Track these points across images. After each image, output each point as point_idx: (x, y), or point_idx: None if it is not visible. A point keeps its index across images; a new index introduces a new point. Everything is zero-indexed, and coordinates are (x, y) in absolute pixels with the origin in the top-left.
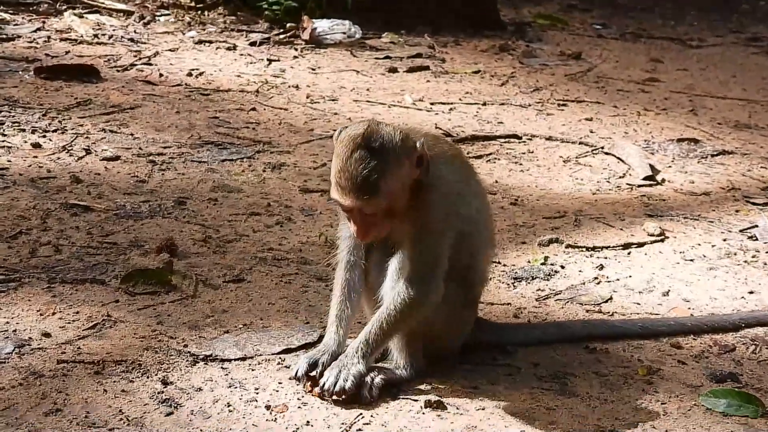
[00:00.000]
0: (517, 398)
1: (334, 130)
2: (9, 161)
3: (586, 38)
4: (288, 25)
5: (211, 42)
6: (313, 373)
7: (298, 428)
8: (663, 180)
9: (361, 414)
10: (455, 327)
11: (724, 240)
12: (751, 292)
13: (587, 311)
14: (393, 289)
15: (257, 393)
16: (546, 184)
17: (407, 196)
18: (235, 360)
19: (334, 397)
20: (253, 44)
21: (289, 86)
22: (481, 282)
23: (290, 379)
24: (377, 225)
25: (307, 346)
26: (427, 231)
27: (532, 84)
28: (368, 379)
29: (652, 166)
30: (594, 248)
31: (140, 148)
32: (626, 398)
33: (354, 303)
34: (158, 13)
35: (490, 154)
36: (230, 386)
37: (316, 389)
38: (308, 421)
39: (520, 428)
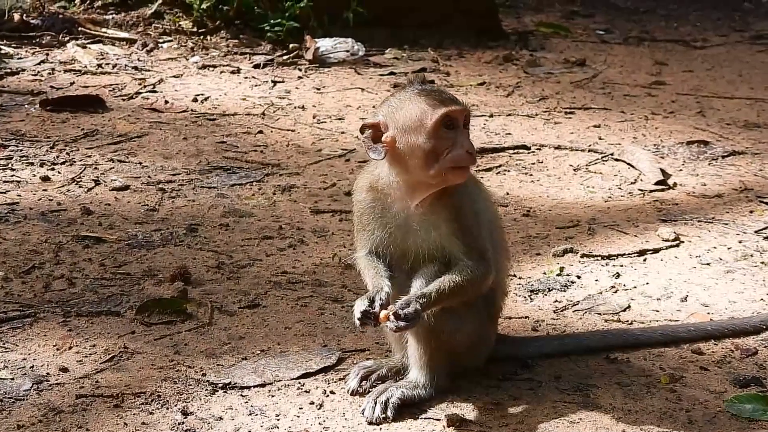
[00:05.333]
0: (540, 412)
1: (343, 150)
2: (19, 195)
3: (589, 44)
4: (291, 45)
5: (214, 66)
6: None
7: None
8: (675, 184)
9: None
10: (480, 343)
11: (740, 242)
12: None
13: (606, 321)
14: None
15: (278, 419)
16: (557, 193)
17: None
18: (254, 387)
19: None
20: (256, 66)
21: (295, 107)
22: (502, 296)
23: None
24: None
25: (326, 370)
26: (465, 227)
27: (538, 93)
28: (384, 397)
29: (663, 171)
30: (609, 256)
31: (149, 177)
32: (650, 408)
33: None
34: (161, 40)
35: (500, 166)
36: (251, 414)
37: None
38: None
39: None
